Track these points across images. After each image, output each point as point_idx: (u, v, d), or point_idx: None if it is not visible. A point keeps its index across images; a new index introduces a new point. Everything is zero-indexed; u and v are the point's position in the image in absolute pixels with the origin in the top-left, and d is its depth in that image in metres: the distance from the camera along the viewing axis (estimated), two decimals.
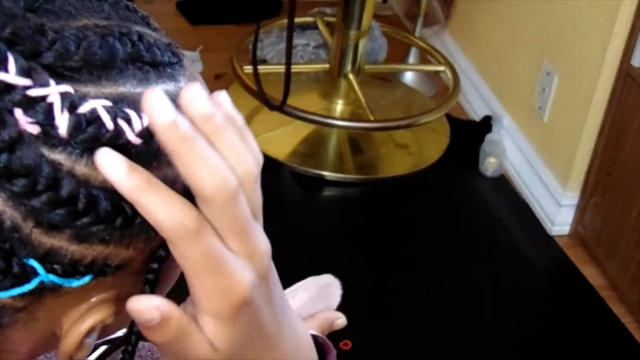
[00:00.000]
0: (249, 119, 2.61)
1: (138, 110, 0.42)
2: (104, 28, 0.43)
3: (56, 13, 0.42)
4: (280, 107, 2.37)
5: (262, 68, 2.41)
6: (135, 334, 0.47)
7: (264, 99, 2.36)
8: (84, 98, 0.40)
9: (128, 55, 0.43)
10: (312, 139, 2.64)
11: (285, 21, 2.36)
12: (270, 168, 2.42)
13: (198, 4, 3.20)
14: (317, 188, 2.48)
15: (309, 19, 2.94)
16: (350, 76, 2.66)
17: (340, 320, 0.75)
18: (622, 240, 2.19)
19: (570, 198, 2.38)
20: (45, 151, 0.39)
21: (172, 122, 0.38)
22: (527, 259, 2.32)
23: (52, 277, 0.42)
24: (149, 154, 0.42)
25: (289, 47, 2.21)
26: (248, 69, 2.51)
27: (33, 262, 0.41)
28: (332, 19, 2.81)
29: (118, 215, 0.42)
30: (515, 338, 2.08)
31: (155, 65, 0.44)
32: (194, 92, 0.40)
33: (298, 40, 2.85)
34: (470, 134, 2.69)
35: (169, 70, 0.45)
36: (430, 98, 2.88)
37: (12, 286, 0.41)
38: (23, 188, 0.39)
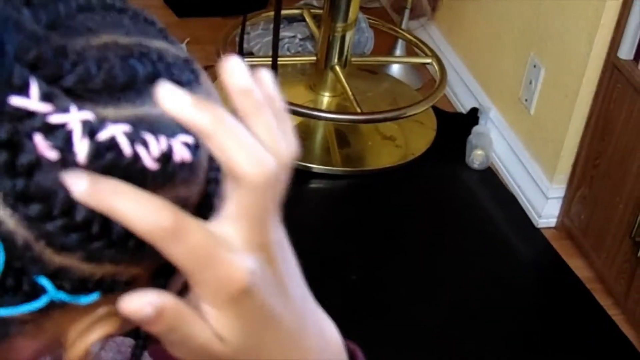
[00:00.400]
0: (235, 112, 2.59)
1: (156, 133, 0.41)
2: (125, 47, 0.43)
3: (77, 30, 0.42)
4: None
5: (248, 60, 2.41)
6: (143, 338, 0.46)
7: None
8: (103, 123, 0.40)
9: (147, 75, 0.42)
10: (298, 132, 2.58)
11: (272, 13, 2.36)
12: None
13: None
14: (304, 180, 2.47)
15: (296, 11, 2.93)
16: (337, 68, 2.65)
17: None
18: (609, 232, 2.20)
19: (557, 190, 2.38)
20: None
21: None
22: (513, 251, 2.32)
23: (61, 295, 0.41)
24: (163, 176, 0.42)
25: (276, 40, 2.20)
26: None
27: (43, 280, 0.41)
28: (319, 11, 2.80)
29: (131, 238, 0.41)
30: (501, 330, 2.08)
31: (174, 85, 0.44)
32: (235, 64, 0.40)
33: (285, 33, 2.84)
34: (456, 127, 2.69)
35: (187, 88, 0.45)
36: (417, 90, 2.87)
37: (21, 303, 0.41)
38: (39, 213, 0.39)
